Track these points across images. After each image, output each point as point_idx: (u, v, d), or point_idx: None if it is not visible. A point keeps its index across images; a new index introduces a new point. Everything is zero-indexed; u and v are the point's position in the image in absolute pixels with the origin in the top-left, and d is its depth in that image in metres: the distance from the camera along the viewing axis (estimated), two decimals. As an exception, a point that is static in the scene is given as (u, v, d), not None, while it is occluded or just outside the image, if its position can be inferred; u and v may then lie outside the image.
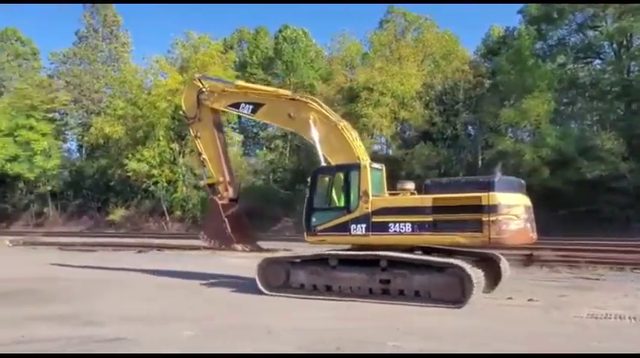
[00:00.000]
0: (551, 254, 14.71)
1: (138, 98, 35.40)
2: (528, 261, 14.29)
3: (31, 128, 38.99)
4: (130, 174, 34.97)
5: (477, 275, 8.50)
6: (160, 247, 20.89)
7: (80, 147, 47.08)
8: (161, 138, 35.12)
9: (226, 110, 12.79)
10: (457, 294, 8.35)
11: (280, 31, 42.18)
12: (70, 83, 43.50)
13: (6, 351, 6.14)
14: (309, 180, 10.51)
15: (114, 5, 45.87)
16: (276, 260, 10.36)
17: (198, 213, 32.50)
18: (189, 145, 34.87)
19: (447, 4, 43.75)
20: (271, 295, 9.74)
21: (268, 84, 41.79)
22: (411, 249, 9.37)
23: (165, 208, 35.03)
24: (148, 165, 34.08)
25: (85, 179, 42.15)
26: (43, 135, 39.48)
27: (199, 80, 12.92)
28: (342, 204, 9.72)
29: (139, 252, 20.11)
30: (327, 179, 10.24)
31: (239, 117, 42.44)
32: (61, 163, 41.75)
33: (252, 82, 38.73)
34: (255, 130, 45.25)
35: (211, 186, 12.73)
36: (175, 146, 35.65)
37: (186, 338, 6.78)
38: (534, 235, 9.21)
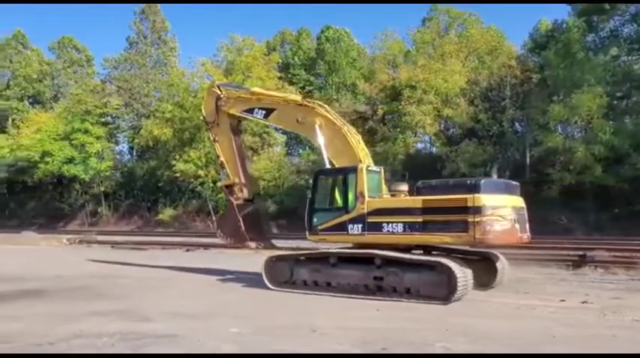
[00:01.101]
0: (605, 254, 14.10)
1: (185, 101, 36.47)
2: (581, 261, 13.76)
3: (86, 131, 40.83)
4: (177, 174, 36.05)
5: (464, 274, 8.80)
6: (206, 246, 21.45)
7: (131, 149, 48.91)
8: (207, 139, 35.92)
9: (241, 115, 13.21)
10: (445, 291, 8.72)
11: (322, 32, 42.39)
12: (121, 87, 45.27)
13: (66, 345, 6.49)
14: (310, 181, 11.10)
15: (162, 11, 47.45)
16: (282, 257, 10.90)
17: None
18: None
19: (492, 4, 42.28)
20: (277, 290, 10.37)
21: (311, 84, 42.23)
22: (409, 248, 9.67)
23: (211, 208, 35.90)
24: (194, 165, 35.01)
25: (135, 180, 43.78)
26: (97, 138, 41.29)
27: (218, 87, 13.49)
28: (341, 204, 10.22)
29: (187, 250, 20.73)
30: (327, 181, 10.80)
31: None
32: (113, 165, 43.56)
33: (295, 83, 39.52)
34: (297, 130, 45.60)
35: (228, 186, 13.21)
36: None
37: (233, 335, 6.95)
38: (525, 235, 9.46)
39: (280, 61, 40.58)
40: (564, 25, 30.55)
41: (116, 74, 47.07)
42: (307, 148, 40.34)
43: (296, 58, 44.06)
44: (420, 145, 35.93)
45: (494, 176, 10.40)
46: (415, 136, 33.66)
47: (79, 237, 27.93)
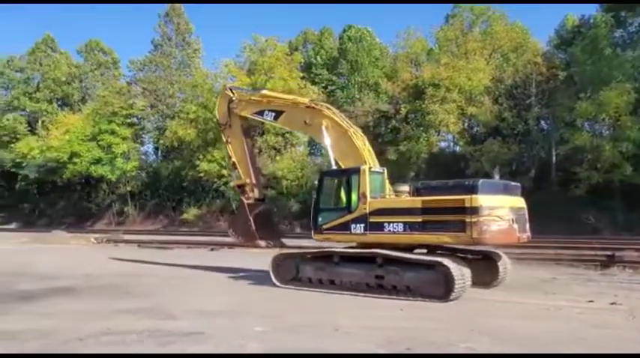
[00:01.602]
0: (634, 254, 13.78)
1: (208, 101, 36.91)
2: (609, 261, 13.46)
3: (113, 132, 41.70)
4: (201, 174, 36.51)
5: (462, 273, 8.96)
6: (231, 245, 21.66)
7: (156, 149, 49.72)
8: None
9: (252, 117, 13.47)
10: (442, 290, 8.92)
11: (344, 31, 42.36)
12: (146, 89, 46.07)
13: (95, 342, 6.67)
14: (316, 182, 11.44)
15: (186, 13, 48.11)
16: (288, 256, 11.31)
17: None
18: (257, 146, 35.90)
19: (517, 4, 41.31)
20: (283, 287, 10.68)
21: (333, 84, 42.25)
22: (411, 247, 9.84)
23: (234, 207, 36.23)
24: (218, 165, 35.40)
25: (160, 180, 44.51)
26: (123, 138, 42.13)
27: (230, 90, 13.79)
28: (344, 204, 10.47)
29: (212, 249, 20.99)
30: (331, 181, 11.11)
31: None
32: (139, 165, 44.37)
33: (317, 83, 39.60)
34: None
35: (240, 186, 13.55)
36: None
37: (257, 333, 7.03)
38: (524, 235, 9.60)
39: (303, 60, 40.71)
40: (592, 21, 29.87)
41: (141, 76, 47.92)
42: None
43: (318, 58, 44.13)
44: (443, 144, 35.62)
45: (497, 177, 10.93)
46: (438, 135, 33.38)
47: (106, 236, 28.53)
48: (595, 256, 14.12)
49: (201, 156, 36.51)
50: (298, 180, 34.83)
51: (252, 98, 13.27)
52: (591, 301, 8.99)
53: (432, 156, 31.93)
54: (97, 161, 41.72)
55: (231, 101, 13.47)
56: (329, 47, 44.80)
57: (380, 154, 36.44)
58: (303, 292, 10.33)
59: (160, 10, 48.56)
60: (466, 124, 33.07)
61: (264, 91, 14.09)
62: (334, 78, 42.55)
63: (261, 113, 12.95)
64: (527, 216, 9.79)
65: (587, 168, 25.72)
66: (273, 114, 12.66)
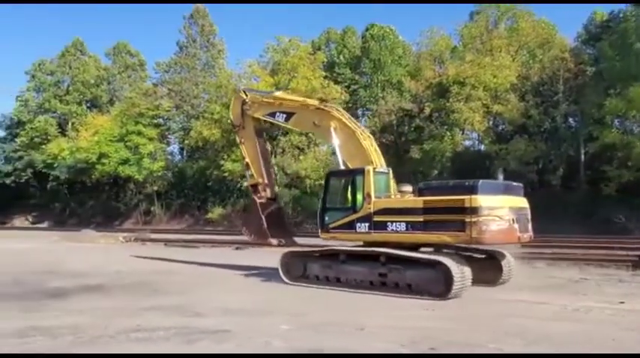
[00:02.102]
0: (667, 255, 13.36)
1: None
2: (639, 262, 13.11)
3: (139, 133, 42.49)
4: (226, 174, 36.87)
5: (461, 271, 9.08)
6: (255, 244, 21.80)
7: (181, 149, 50.46)
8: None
9: (265, 119, 13.84)
10: (442, 288, 9.04)
11: (367, 30, 42.18)
12: (172, 90, 46.80)
13: (126, 338, 6.83)
14: (323, 182, 11.78)
15: (210, 15, 48.68)
16: (296, 254, 11.65)
17: (290, 211, 33.45)
18: (281, 145, 36.10)
19: (542, 4, 40.11)
20: (292, 284, 11.00)
21: (356, 83, 42.14)
22: (416, 246, 9.96)
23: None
24: (242, 165, 35.61)
25: (186, 179, 45.16)
26: (150, 139, 42.90)
27: (244, 92, 14.23)
28: (350, 204, 10.71)
29: (237, 248, 21.19)
30: (338, 181, 11.40)
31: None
32: (165, 165, 45.10)
33: (340, 82, 39.54)
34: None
35: (253, 186, 13.85)
36: (267, 146, 36.91)
37: (282, 332, 7.10)
38: (526, 235, 9.71)
39: (325, 60, 40.70)
40: (621, 15, 29.05)
41: (167, 77, 48.69)
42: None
43: (341, 57, 44.06)
44: (467, 143, 35.20)
45: (501, 177, 11.94)
46: (463, 134, 32.99)
47: (134, 235, 29.07)
48: (626, 256, 13.77)
49: (225, 156, 36.87)
50: (322, 179, 34.88)
51: (264, 100, 13.58)
52: (622, 302, 8.78)
53: (456, 155, 31.57)
54: (125, 161, 42.56)
55: (244, 103, 13.80)
56: (352, 46, 44.68)
57: (404, 153, 36.31)
58: (329, 291, 10.37)
59: (184, 13, 49.22)
60: (491, 122, 32.58)
61: (276, 93, 14.42)
62: (357, 77, 42.42)
63: (272, 114, 13.28)
64: (529, 216, 9.91)
65: (617, 167, 25.08)
66: (284, 115, 12.99)
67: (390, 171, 11.12)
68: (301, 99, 14.18)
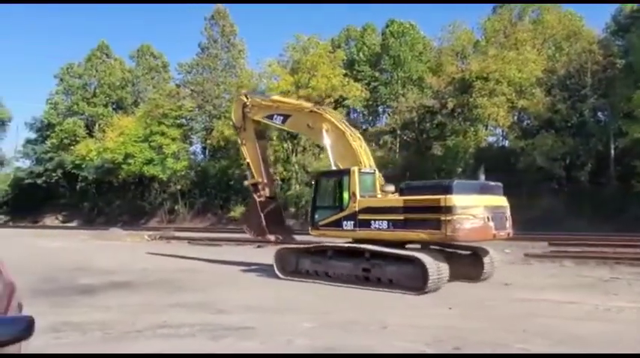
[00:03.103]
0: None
1: (253, 101, 37.36)
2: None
3: (163, 134, 43.15)
4: (247, 173, 37.08)
5: (437, 267, 9.58)
6: (276, 243, 21.88)
7: (204, 149, 51.02)
8: (274, 137, 36.77)
9: (263, 121, 14.41)
10: (420, 283, 9.52)
11: (387, 26, 41.88)
12: (194, 91, 47.35)
13: (152, 334, 6.94)
14: (313, 182, 12.40)
15: (230, 16, 49.05)
16: (289, 250, 12.29)
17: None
18: (302, 144, 36.16)
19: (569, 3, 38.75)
20: (286, 279, 11.60)
21: (376, 80, 41.93)
22: (401, 243, 10.44)
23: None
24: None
25: (208, 178, 45.66)
26: (173, 139, 43.51)
27: (245, 95, 14.88)
28: (337, 203, 11.31)
29: (259, 246, 21.30)
30: (327, 182, 12.06)
31: (347, 114, 43.15)
32: (188, 164, 45.68)
33: (360, 80, 39.37)
34: (364, 127, 45.55)
35: (253, 185, 14.50)
36: (288, 145, 37.09)
37: (305, 329, 7.11)
38: (503, 232, 10.10)
39: (345, 58, 40.59)
40: (652, 4, 28.15)
41: (189, 78, 49.26)
42: (373, 144, 40.14)
43: (360, 54, 43.88)
44: (491, 139, 34.66)
45: (482, 176, 11.96)
46: (487, 129, 32.47)
47: (159, 233, 29.53)
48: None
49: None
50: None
51: (263, 103, 14.21)
52: (654, 301, 8.53)
53: (479, 151, 31.11)
54: (149, 161, 43.27)
55: (245, 106, 14.40)
56: (371, 43, 44.44)
57: (426, 150, 35.94)
58: (348, 289, 10.38)
59: (206, 14, 49.70)
60: (516, 118, 31.99)
61: (274, 96, 15.24)
62: (377, 74, 42.18)
63: (271, 117, 13.92)
64: (507, 214, 10.32)
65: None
66: (281, 117, 13.62)
67: (376, 172, 11.58)
68: (297, 102, 15.00)
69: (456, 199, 9.37)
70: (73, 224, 49.65)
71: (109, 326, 7.33)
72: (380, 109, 45.57)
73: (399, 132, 36.11)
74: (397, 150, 36.83)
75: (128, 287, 11.19)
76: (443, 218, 9.31)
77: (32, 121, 58.50)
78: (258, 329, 7.07)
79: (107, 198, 52.42)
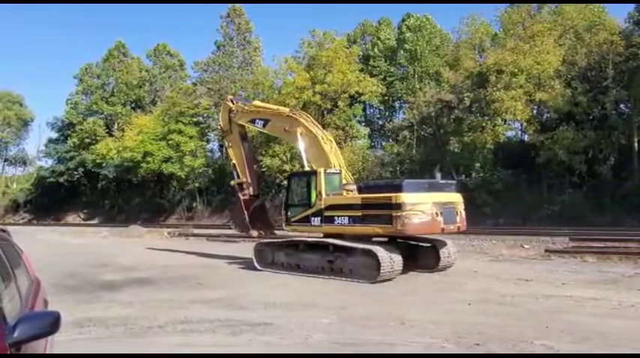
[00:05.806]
0: None
1: (269, 98, 37.50)
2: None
3: (180, 132, 43.48)
4: (264, 169, 37.25)
5: (390, 259, 10.48)
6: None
7: (221, 146, 51.17)
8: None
9: (247, 125, 15.30)
10: (375, 273, 10.41)
11: (403, 21, 41.55)
12: (210, 89, 47.59)
13: (173, 329, 7.04)
14: (285, 182, 13.35)
15: (246, 13, 49.18)
16: (265, 244, 13.39)
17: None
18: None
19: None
20: (263, 270, 12.53)
21: (392, 75, 41.61)
22: (370, 236, 11.32)
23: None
24: (280, 161, 35.96)
25: (225, 175, 45.86)
26: (190, 137, 43.82)
27: (231, 101, 15.79)
28: (307, 201, 12.23)
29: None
30: (297, 181, 13.11)
31: (364, 109, 42.95)
32: (205, 162, 46.01)
33: (376, 75, 39.12)
34: (380, 122, 45.36)
35: (239, 185, 15.35)
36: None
37: (324, 325, 7.13)
38: (452, 226, 10.97)
39: (361, 53, 40.36)
40: (677, -8, 27.37)
41: (206, 76, 49.53)
42: (390, 140, 39.95)
43: (376, 49, 43.60)
44: (509, 134, 34.16)
45: (438, 176, 13.75)
46: (505, 124, 32.00)
47: (178, 230, 29.89)
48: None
49: (263, 152, 37.22)
50: (359, 173, 34.72)
51: (246, 108, 15.15)
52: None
53: (498, 146, 30.68)
54: (167, 159, 43.67)
55: (230, 111, 15.34)
56: (386, 38, 44.11)
57: (444, 145, 35.48)
58: (368, 285, 10.37)
59: (221, 12, 49.90)
60: (535, 111, 31.45)
61: (255, 102, 16.60)
62: (393, 69, 41.88)
63: (253, 121, 14.88)
64: (457, 209, 11.21)
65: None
66: (262, 122, 14.54)
67: (342, 172, 12.50)
68: (275, 107, 15.94)
69: (405, 197, 10.32)
70: (95, 221, 50.46)
71: (132, 322, 7.46)
72: (396, 105, 45.29)
73: (416, 127, 35.81)
74: (415, 146, 36.56)
75: (150, 283, 11.36)
76: (394, 214, 10.28)
77: (54, 121, 59.59)
78: (277, 324, 7.12)
79: (127, 196, 53.12)
